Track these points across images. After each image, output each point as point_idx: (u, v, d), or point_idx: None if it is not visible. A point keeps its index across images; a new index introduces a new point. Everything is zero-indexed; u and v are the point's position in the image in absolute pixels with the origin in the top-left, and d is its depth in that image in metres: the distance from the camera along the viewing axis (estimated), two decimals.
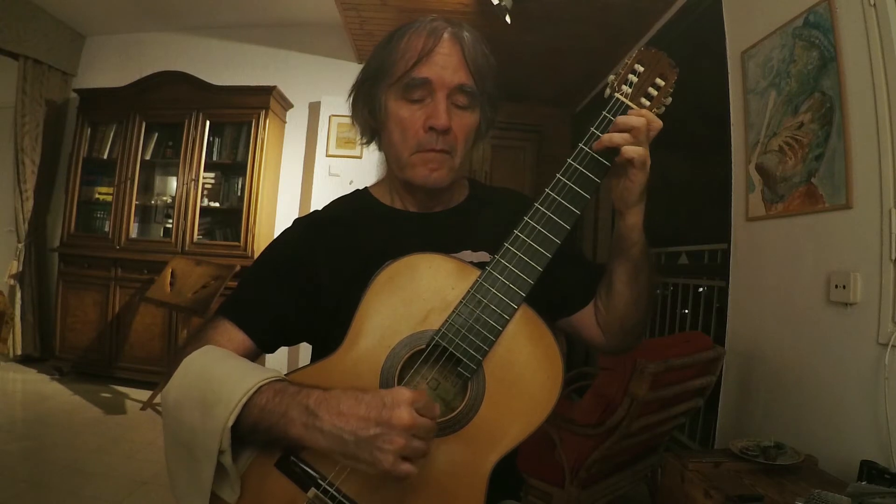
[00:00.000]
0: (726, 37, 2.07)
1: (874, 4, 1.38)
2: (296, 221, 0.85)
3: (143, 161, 3.58)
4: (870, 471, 1.18)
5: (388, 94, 0.76)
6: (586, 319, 0.84)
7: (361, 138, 0.84)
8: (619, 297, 0.77)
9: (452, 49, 0.74)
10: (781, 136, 1.73)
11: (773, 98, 1.78)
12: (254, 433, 0.61)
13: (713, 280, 2.36)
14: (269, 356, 1.00)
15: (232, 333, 0.74)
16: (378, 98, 0.77)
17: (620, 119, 0.66)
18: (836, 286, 1.45)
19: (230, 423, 0.59)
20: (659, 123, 0.67)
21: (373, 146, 0.86)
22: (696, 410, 1.76)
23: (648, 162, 0.67)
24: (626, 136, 0.66)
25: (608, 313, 0.80)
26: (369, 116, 0.80)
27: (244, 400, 0.60)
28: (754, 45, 1.88)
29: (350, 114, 0.84)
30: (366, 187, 0.89)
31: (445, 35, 0.74)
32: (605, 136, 0.66)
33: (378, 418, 0.56)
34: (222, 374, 0.64)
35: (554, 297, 0.80)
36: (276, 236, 0.84)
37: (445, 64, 0.73)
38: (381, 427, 0.56)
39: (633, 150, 0.66)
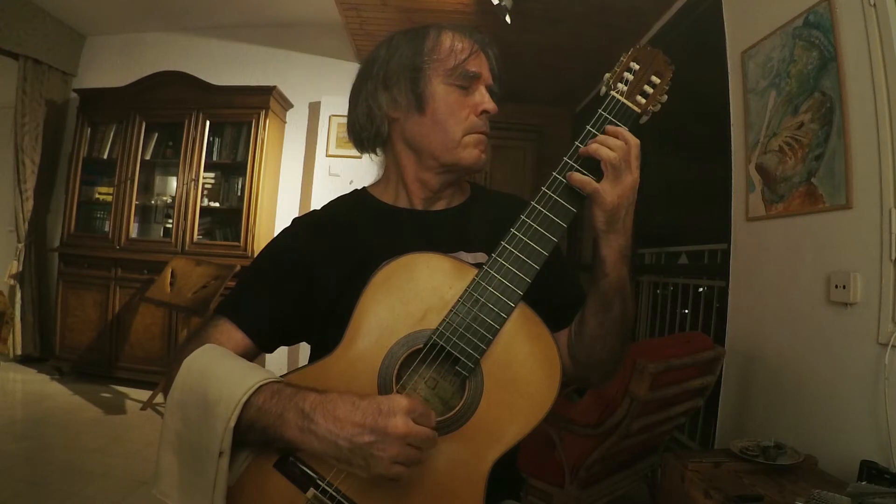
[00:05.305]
0: (726, 37, 2.07)
1: (874, 4, 1.38)
2: (294, 221, 0.85)
3: (143, 161, 3.58)
4: (870, 471, 1.18)
5: (434, 80, 0.79)
6: (560, 342, 0.77)
7: (359, 139, 0.84)
8: (586, 327, 0.73)
9: (488, 55, 0.83)
10: (781, 136, 1.73)
11: (773, 98, 1.78)
12: (250, 432, 0.61)
13: (713, 280, 2.35)
14: (268, 356, 0.99)
15: (231, 333, 0.74)
16: (419, 82, 0.78)
17: (602, 135, 0.66)
18: (836, 286, 1.45)
19: (232, 424, 0.59)
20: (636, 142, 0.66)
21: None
22: (696, 410, 1.76)
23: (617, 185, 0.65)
24: (612, 151, 0.64)
25: (577, 341, 0.75)
26: (389, 104, 0.80)
27: (244, 399, 0.60)
28: (754, 45, 1.88)
29: (350, 112, 0.84)
30: (364, 187, 0.90)
31: (483, 42, 0.83)
32: (592, 146, 0.65)
33: (373, 426, 0.56)
34: (223, 374, 0.64)
35: (538, 313, 0.75)
36: (275, 236, 0.84)
37: (488, 66, 0.82)
38: (375, 434, 0.56)
39: (608, 153, 0.64)
